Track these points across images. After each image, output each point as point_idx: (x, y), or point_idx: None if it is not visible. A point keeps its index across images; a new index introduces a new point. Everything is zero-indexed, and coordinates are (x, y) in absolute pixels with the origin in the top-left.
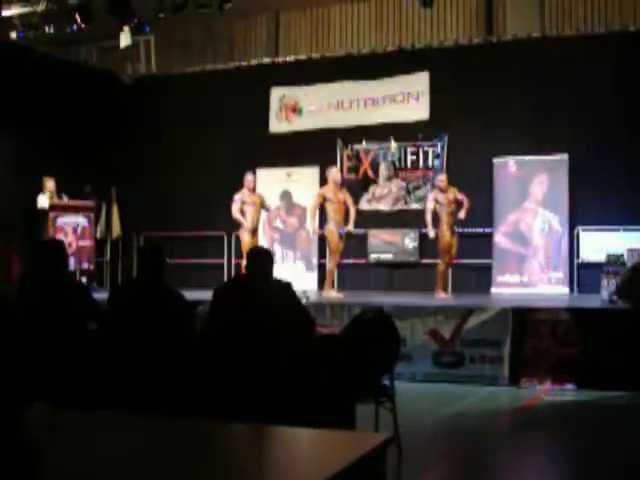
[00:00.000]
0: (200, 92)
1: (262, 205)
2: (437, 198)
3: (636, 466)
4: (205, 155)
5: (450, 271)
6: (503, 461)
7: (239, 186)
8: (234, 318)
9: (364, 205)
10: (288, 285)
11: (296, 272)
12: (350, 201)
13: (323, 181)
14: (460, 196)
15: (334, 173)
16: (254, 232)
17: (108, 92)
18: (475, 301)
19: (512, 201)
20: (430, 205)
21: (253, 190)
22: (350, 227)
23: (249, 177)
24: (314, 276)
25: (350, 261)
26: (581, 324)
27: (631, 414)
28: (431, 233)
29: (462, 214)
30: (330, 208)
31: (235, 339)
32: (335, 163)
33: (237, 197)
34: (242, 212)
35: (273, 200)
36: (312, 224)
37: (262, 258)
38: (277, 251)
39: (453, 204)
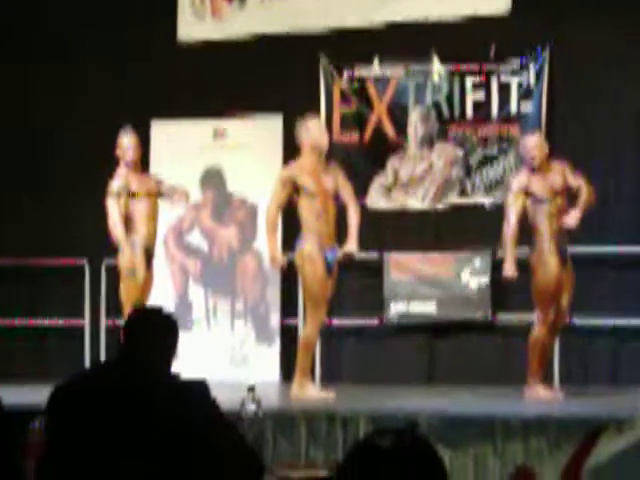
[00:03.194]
0: None
1: (159, 196)
2: (528, 186)
3: None
4: (57, 105)
5: (558, 342)
6: None
7: (110, 163)
8: (90, 462)
9: (377, 200)
10: (205, 392)
11: (235, 348)
12: (348, 192)
13: (291, 150)
14: (576, 181)
15: (315, 132)
16: (148, 259)
17: None
18: (611, 407)
19: None
20: (514, 202)
21: (138, 167)
22: (350, 247)
23: (127, 140)
24: (274, 354)
25: (350, 321)
26: None
27: None
28: (510, 267)
29: (573, 218)
30: (307, 208)
31: None
32: (317, 110)
33: (114, 185)
34: (126, 218)
35: (187, 188)
36: (271, 244)
37: (153, 333)
38: (194, 300)
39: (562, 198)
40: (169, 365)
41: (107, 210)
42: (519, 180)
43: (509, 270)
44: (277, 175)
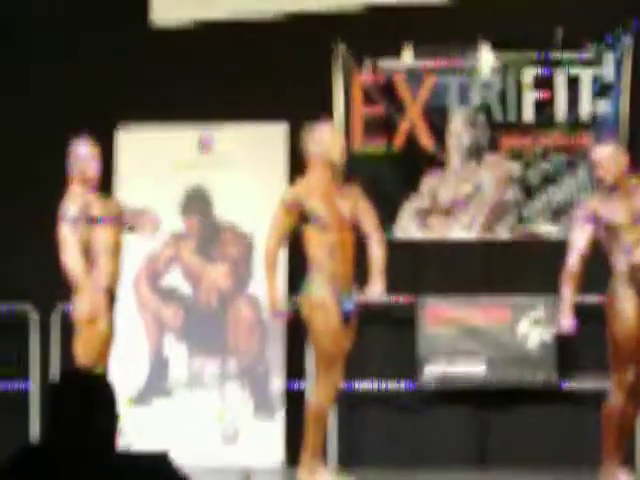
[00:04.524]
0: None
1: (122, 224)
2: (597, 212)
3: None
4: None
5: None
6: None
7: (61, 181)
8: None
9: (410, 229)
10: (170, 470)
11: (226, 420)
12: (371, 219)
13: (297, 166)
14: None
15: (326, 141)
16: (111, 303)
17: None
18: None
19: None
20: (577, 232)
21: (97, 187)
22: (373, 291)
23: (84, 151)
24: (276, 429)
25: (374, 385)
26: None
27: None
28: (567, 318)
29: None
30: (317, 241)
31: None
32: (329, 114)
33: (70, 209)
34: (84, 250)
35: (163, 214)
36: (270, 287)
37: (94, 405)
38: (173, 359)
39: None
40: (113, 446)
41: (60, 240)
42: (585, 205)
43: (565, 321)
44: (279, 198)
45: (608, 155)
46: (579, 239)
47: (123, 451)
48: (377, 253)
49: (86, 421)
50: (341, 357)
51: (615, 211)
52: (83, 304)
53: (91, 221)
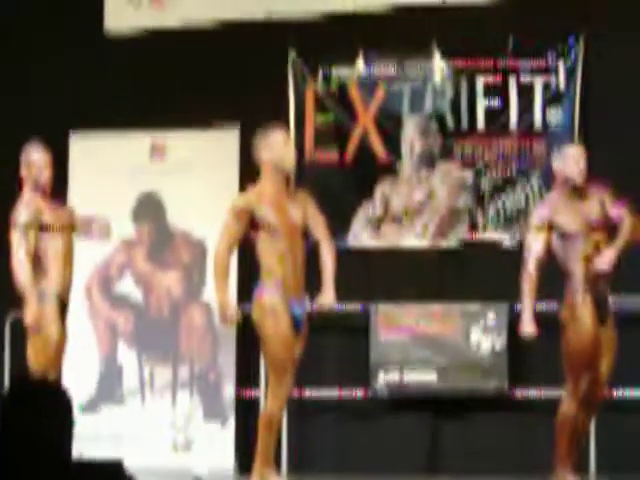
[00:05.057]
0: None
1: (73, 231)
2: (553, 219)
3: None
4: None
5: (595, 421)
6: None
7: (10, 186)
8: None
9: (362, 236)
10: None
11: (178, 427)
12: (321, 226)
13: (250, 172)
14: (617, 212)
15: (278, 147)
16: (62, 310)
17: None
18: None
19: None
20: (534, 239)
21: (48, 194)
22: (324, 298)
23: (37, 157)
24: (227, 435)
25: (326, 393)
26: None
27: None
28: (528, 322)
29: (606, 258)
30: (268, 247)
31: None
32: (284, 121)
33: (22, 214)
34: (35, 258)
35: (116, 220)
36: (220, 293)
37: (49, 411)
38: (125, 366)
39: (602, 234)
40: (69, 453)
41: (11, 247)
42: (541, 211)
43: (527, 326)
44: (229, 204)
45: (576, 155)
46: (537, 244)
47: (77, 459)
48: (328, 261)
49: (39, 428)
50: (291, 363)
51: (570, 218)
52: (30, 311)
53: (43, 228)
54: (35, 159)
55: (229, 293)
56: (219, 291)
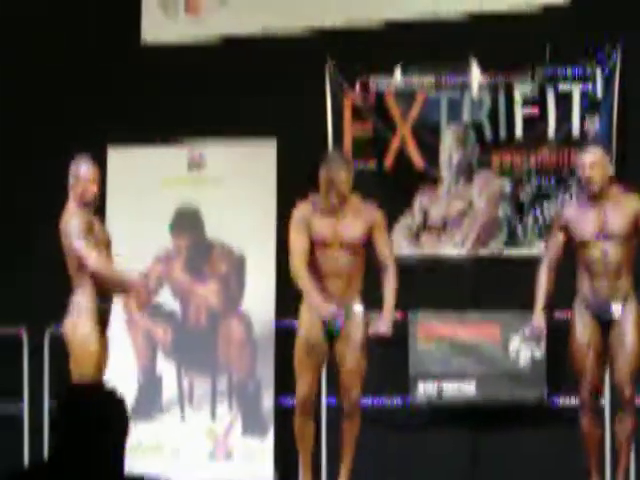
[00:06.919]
0: None
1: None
2: (569, 222)
3: None
4: None
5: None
6: None
7: (53, 201)
8: None
9: (401, 246)
10: None
11: (217, 439)
12: (387, 251)
13: (287, 183)
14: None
15: (330, 169)
16: (104, 323)
17: None
18: None
19: None
20: (550, 239)
21: (93, 208)
22: (379, 327)
23: (86, 170)
24: (267, 447)
25: (363, 402)
26: None
27: None
28: (539, 320)
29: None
30: (314, 258)
31: None
32: (322, 133)
33: (81, 225)
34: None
35: (153, 231)
36: (313, 297)
37: (103, 421)
38: (164, 378)
39: (615, 243)
40: (122, 463)
41: (79, 250)
42: (559, 212)
43: (537, 323)
44: (291, 218)
45: (590, 160)
46: (549, 243)
47: (130, 473)
48: (389, 288)
49: (95, 438)
50: (312, 369)
51: (586, 225)
52: (75, 325)
53: (94, 239)
54: (83, 174)
55: (320, 295)
56: (310, 297)
